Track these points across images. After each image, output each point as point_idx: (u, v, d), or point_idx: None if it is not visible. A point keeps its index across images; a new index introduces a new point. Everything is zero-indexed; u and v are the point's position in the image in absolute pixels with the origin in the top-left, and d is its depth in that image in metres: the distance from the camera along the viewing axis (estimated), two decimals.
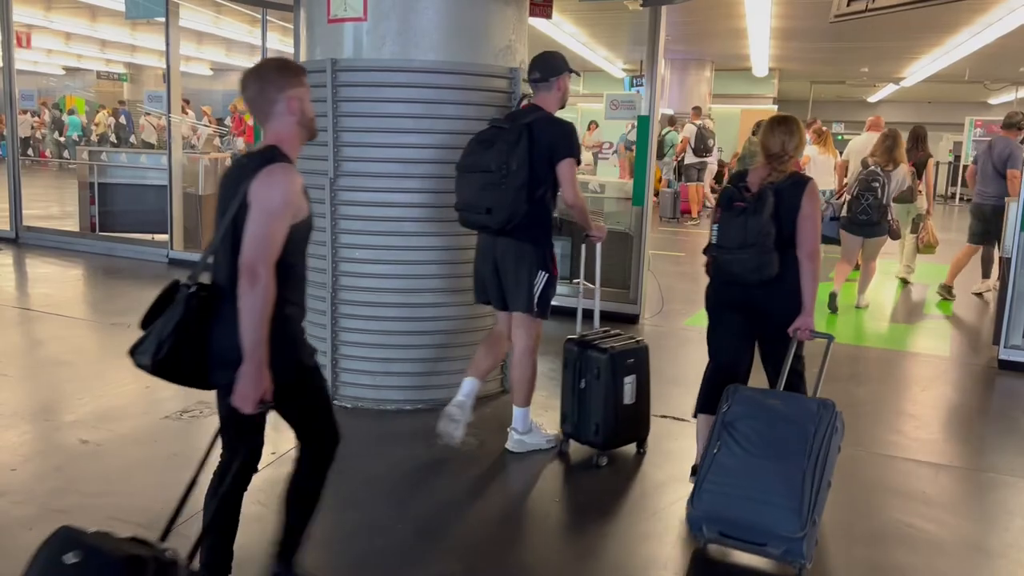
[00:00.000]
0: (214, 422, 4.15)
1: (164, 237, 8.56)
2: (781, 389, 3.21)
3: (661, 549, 3.12)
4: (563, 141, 3.66)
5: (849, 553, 3.12)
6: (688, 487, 3.16)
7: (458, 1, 4.23)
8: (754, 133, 8.66)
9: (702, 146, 12.68)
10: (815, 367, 3.32)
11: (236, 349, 2.22)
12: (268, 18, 7.96)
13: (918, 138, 8.03)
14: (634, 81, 12.57)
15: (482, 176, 3.58)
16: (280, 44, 9.89)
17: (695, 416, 3.54)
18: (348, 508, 3.37)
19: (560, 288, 7.08)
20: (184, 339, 2.24)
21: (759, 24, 12.18)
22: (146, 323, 2.31)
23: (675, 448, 4.06)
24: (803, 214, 3.22)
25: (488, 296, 3.93)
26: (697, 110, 14.09)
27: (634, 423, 3.89)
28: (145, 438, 3.96)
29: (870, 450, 4.16)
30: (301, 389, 2.53)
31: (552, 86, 3.75)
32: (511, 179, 3.52)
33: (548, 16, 5.18)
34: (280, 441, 4.01)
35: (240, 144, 17.87)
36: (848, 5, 6.61)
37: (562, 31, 13.19)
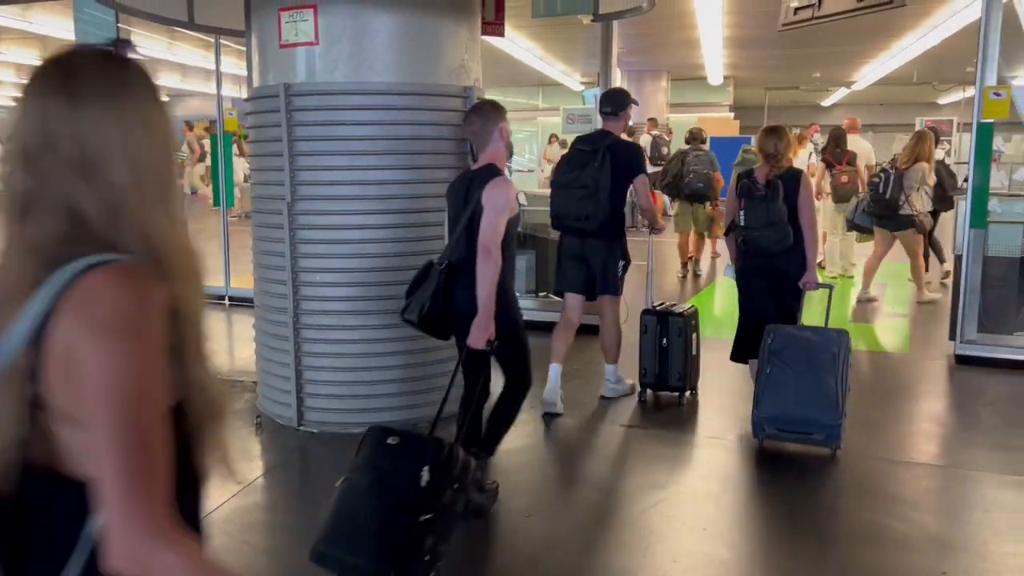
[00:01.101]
0: None
1: None
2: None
3: (632, 559, 3.13)
4: (637, 160, 4.72)
5: (821, 553, 3.15)
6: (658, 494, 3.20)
7: (410, 23, 4.25)
8: (688, 142, 8.95)
9: (657, 155, 12.80)
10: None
11: (471, 306, 3.21)
12: (222, 42, 7.91)
13: (837, 140, 8.56)
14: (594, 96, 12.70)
15: (580, 191, 4.53)
16: (236, 68, 9.84)
17: (732, 359, 4.69)
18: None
19: (526, 302, 7.14)
20: (436, 302, 3.27)
21: (712, 34, 12.37)
22: (409, 293, 3.43)
23: (643, 457, 4.09)
24: (802, 197, 4.32)
25: (571, 287, 4.83)
26: (653, 121, 14.23)
27: (696, 369, 4.97)
28: None
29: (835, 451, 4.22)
30: (511, 337, 3.42)
31: (620, 118, 4.75)
32: (601, 193, 4.47)
33: (501, 34, 5.22)
34: (249, 470, 3.98)
35: (199, 170, 17.54)
36: (795, 14, 6.72)
37: (518, 47, 13.27)
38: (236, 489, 3.67)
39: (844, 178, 8.24)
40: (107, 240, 1.02)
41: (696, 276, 9.30)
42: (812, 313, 4.92)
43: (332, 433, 4.35)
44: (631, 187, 4.67)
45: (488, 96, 4.78)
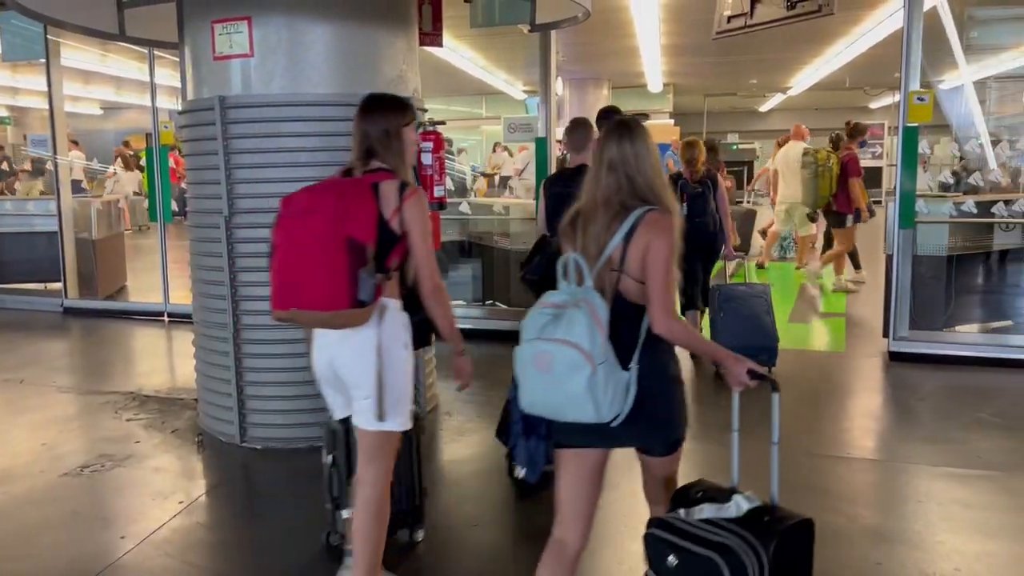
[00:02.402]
0: (117, 475, 4.04)
1: (57, 285, 8.22)
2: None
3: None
4: None
5: None
6: None
7: (346, 35, 4.24)
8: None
9: None
10: None
11: None
12: (157, 54, 7.77)
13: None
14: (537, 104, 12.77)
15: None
16: (172, 80, 9.66)
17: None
18: (263, 554, 3.30)
19: (472, 311, 7.16)
20: (551, 269, 2.84)
21: (650, 42, 12.57)
22: (527, 262, 3.87)
23: None
24: (719, 192, 5.73)
25: None
26: None
27: None
28: (44, 498, 3.78)
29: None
30: None
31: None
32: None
33: (439, 45, 5.23)
34: (191, 489, 3.91)
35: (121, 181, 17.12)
36: (728, 22, 6.89)
37: (460, 56, 13.31)
38: (178, 508, 3.61)
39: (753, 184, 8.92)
40: (648, 200, 2.25)
41: None
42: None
43: (276, 449, 4.30)
44: None
45: (430, 106, 4.81)
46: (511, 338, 6.52)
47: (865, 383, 5.61)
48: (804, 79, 17.86)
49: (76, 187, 11.90)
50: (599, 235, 2.24)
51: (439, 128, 4.48)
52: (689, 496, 2.29)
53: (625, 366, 2.17)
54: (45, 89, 8.05)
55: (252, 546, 3.39)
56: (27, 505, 3.71)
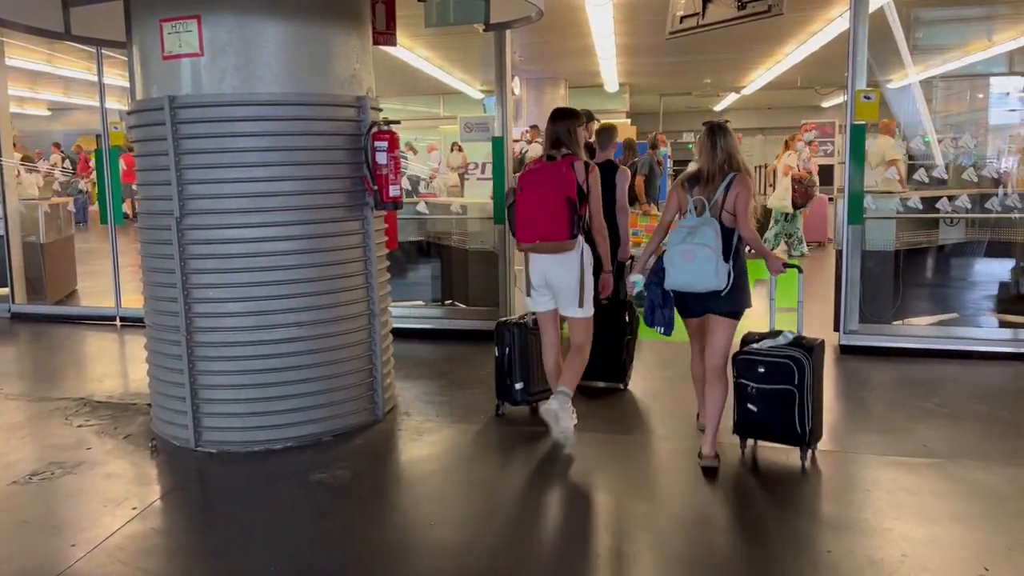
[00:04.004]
0: (68, 482, 3.96)
1: (4, 291, 8.02)
2: None
3: (537, 557, 3.17)
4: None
5: (709, 544, 3.28)
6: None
7: (298, 34, 4.21)
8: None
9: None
10: None
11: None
12: (106, 53, 7.62)
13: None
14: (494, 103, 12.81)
15: None
16: (122, 80, 9.49)
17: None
18: (219, 557, 3.27)
19: (431, 311, 7.14)
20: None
21: (605, 42, 12.66)
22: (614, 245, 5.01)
23: (548, 458, 4.15)
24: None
25: None
26: (535, 129, 14.41)
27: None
28: None
29: (728, 442, 4.37)
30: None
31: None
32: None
33: (393, 44, 5.21)
34: (145, 495, 3.85)
35: (83, 185, 16.90)
36: (681, 22, 6.97)
37: (415, 55, 13.27)
38: (131, 515, 3.55)
39: None
40: (736, 168, 3.87)
41: None
42: None
43: (231, 452, 4.25)
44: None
45: (386, 105, 4.79)
46: (471, 337, 6.64)
47: (813, 452, 5.71)
48: (757, 79, 18.14)
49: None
50: (712, 188, 3.86)
51: (393, 128, 4.48)
52: (752, 339, 4.05)
53: (725, 261, 3.77)
54: None
55: (207, 551, 3.36)
56: None
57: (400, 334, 5.22)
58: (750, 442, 4.15)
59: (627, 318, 5.13)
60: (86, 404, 5.12)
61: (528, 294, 4.35)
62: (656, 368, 5.75)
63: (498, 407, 4.79)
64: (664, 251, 3.92)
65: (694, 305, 3.92)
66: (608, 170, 4.98)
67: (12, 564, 3.18)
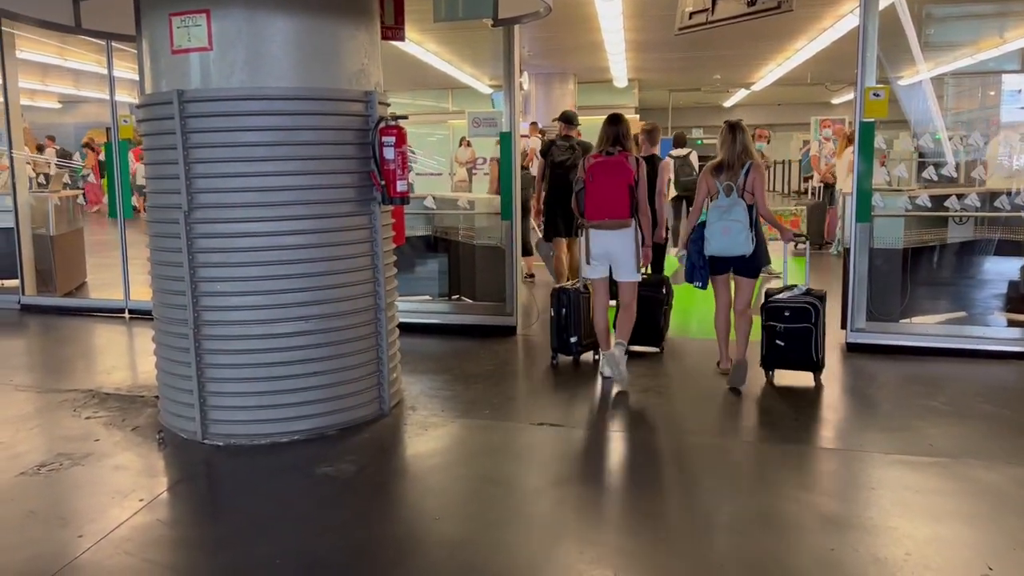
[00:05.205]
0: (76, 473, 3.99)
1: (14, 283, 8.07)
2: None
3: (540, 552, 3.19)
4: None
5: (711, 541, 3.28)
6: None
7: (306, 28, 4.21)
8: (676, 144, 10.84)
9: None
10: None
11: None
12: (116, 47, 7.65)
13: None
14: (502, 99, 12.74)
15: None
16: (132, 73, 9.51)
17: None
18: (225, 550, 3.29)
19: (438, 306, 7.15)
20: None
21: (614, 38, 12.64)
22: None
23: (551, 454, 4.16)
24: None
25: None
26: (534, 125, 14.36)
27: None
28: None
29: (735, 441, 4.38)
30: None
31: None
32: None
33: (401, 39, 5.22)
34: (152, 487, 3.87)
35: (91, 179, 16.98)
36: (690, 18, 6.94)
37: (424, 50, 13.27)
38: (138, 506, 3.58)
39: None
40: (752, 157, 5.10)
41: None
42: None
43: (238, 445, 4.28)
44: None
45: (394, 100, 4.80)
46: (477, 332, 6.68)
47: (828, 375, 5.70)
48: (767, 75, 18.08)
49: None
50: (734, 174, 5.06)
51: (401, 123, 4.49)
52: (773, 293, 5.31)
53: (750, 230, 4.99)
54: None
55: (213, 543, 3.38)
56: None
57: (406, 328, 5.24)
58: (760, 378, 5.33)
59: (664, 291, 6.01)
60: (94, 396, 5.16)
61: (588, 263, 5.23)
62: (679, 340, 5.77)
63: (553, 359, 5.77)
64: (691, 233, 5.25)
65: (724, 266, 5.20)
66: (651, 163, 5.95)
67: (20, 553, 3.21)
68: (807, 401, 5.19)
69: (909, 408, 4.81)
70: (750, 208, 5.01)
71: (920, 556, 3.07)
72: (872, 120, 5.80)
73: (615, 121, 5.26)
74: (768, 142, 12.42)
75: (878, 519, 3.39)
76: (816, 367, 5.20)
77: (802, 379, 5.29)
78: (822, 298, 5.20)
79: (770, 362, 5.26)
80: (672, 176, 10.11)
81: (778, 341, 5.17)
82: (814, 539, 3.24)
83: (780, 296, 5.22)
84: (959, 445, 4.20)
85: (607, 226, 5.07)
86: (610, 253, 5.15)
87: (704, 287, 5.26)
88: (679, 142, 11.16)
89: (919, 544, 3.16)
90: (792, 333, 5.14)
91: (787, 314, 5.16)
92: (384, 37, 4.87)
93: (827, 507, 3.58)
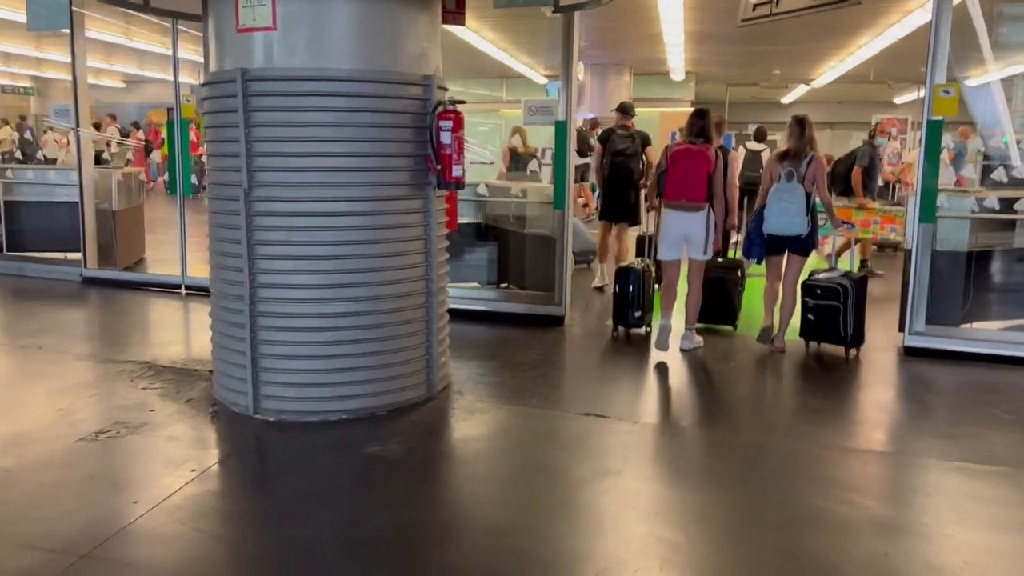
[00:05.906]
0: (132, 442, 4.09)
1: (77, 255, 8.29)
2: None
3: (585, 542, 3.17)
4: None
5: (769, 538, 3.23)
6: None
7: (369, 10, 4.23)
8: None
9: (585, 147, 12.70)
10: None
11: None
12: (180, 28, 7.79)
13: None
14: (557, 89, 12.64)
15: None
16: (194, 55, 9.69)
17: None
18: (273, 524, 3.34)
19: (487, 293, 7.16)
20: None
21: (673, 29, 12.47)
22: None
23: (597, 444, 4.14)
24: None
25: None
26: (594, 120, 14.19)
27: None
28: (59, 462, 3.83)
29: (785, 439, 4.30)
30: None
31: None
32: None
33: (462, 23, 5.21)
34: (204, 458, 3.95)
35: (156, 157, 17.37)
36: (754, 10, 6.80)
37: (481, 37, 13.26)
38: (190, 476, 3.65)
39: None
40: (813, 149, 5.66)
41: None
42: None
43: (289, 421, 4.34)
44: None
45: (450, 86, 4.80)
46: (525, 321, 6.68)
47: (879, 377, 5.58)
48: (828, 71, 17.69)
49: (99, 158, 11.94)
50: (797, 162, 5.57)
51: (459, 108, 4.48)
52: (816, 274, 5.83)
53: (806, 214, 5.53)
54: (69, 61, 8.09)
55: (262, 516, 3.43)
56: (43, 469, 3.77)
57: (455, 315, 5.25)
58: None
59: (739, 273, 6.41)
60: (151, 368, 5.27)
61: (664, 244, 5.76)
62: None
63: (614, 331, 6.26)
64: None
65: (779, 246, 5.73)
66: (722, 155, 6.36)
67: (79, 516, 3.30)
68: (863, 403, 5.09)
69: (969, 415, 4.68)
70: (808, 195, 5.53)
71: (978, 565, 2.98)
72: (940, 118, 5.63)
73: (701, 115, 5.73)
74: (889, 137, 12.01)
75: (934, 525, 3.30)
76: (845, 342, 5.69)
77: (856, 380, 5.19)
78: (857, 281, 5.69)
79: (806, 333, 5.84)
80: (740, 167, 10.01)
81: (809, 315, 5.76)
82: (867, 542, 3.17)
83: (819, 276, 5.82)
84: (1022, 454, 4.07)
85: (684, 207, 5.53)
86: (685, 233, 5.60)
87: (760, 262, 5.84)
88: (759, 136, 11.01)
89: (976, 553, 3.07)
90: (821, 309, 5.70)
91: (818, 291, 5.71)
92: (445, 21, 4.86)
93: (880, 511, 3.50)
